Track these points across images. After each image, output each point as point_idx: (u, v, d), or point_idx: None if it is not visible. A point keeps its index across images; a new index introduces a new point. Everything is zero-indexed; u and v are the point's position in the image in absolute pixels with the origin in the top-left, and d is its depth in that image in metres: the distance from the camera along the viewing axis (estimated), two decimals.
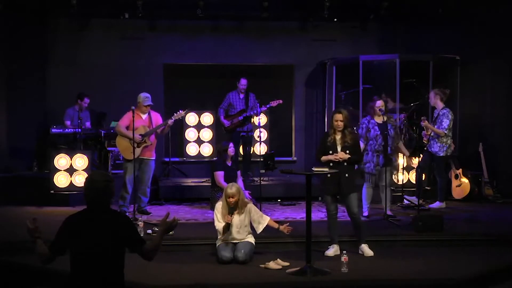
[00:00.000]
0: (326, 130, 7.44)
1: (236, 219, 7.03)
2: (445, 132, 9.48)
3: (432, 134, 9.59)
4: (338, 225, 7.40)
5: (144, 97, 9.07)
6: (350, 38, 12.66)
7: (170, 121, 9.02)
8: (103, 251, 4.13)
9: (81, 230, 4.16)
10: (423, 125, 9.59)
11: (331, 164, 7.08)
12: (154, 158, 9.18)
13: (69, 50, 12.13)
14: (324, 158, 7.12)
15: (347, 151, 7.07)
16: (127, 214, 8.67)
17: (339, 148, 7.11)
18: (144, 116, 9.07)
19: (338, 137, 7.14)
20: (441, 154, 9.59)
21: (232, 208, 6.98)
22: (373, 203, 9.11)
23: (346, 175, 7.12)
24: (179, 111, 9.14)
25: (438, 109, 9.65)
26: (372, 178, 8.87)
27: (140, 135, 8.87)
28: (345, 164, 7.11)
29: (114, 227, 4.21)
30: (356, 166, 8.18)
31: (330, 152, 7.10)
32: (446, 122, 9.48)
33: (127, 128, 8.98)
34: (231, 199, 6.96)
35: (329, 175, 7.05)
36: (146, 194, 9.21)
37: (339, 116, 7.11)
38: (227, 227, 7.00)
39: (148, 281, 6.25)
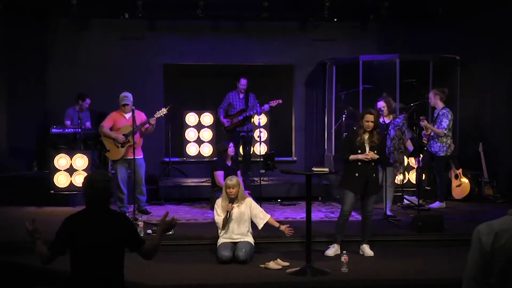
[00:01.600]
0: (355, 129, 7.45)
1: (236, 211, 7.09)
2: (445, 132, 9.48)
3: (432, 134, 9.59)
4: (347, 226, 7.40)
5: (123, 97, 9.08)
6: (350, 38, 12.66)
7: (152, 120, 9.00)
8: (103, 251, 4.12)
9: (80, 230, 4.15)
10: (423, 125, 9.60)
11: (359, 164, 7.10)
12: (141, 156, 9.12)
13: (69, 50, 12.13)
14: (353, 157, 7.13)
15: (375, 151, 7.11)
16: (127, 214, 8.68)
17: (367, 148, 7.14)
18: (128, 116, 9.05)
19: (366, 137, 7.18)
20: (441, 154, 9.59)
21: (231, 200, 7.07)
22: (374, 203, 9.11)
23: (374, 175, 7.19)
24: (161, 109, 9.14)
25: (438, 109, 9.66)
26: None
27: (123, 134, 8.86)
28: (373, 164, 7.16)
29: (114, 227, 4.20)
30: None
31: (359, 151, 7.12)
32: (445, 122, 9.49)
33: (111, 128, 8.99)
34: (231, 190, 7.04)
35: (356, 174, 7.07)
36: (143, 193, 9.21)
37: (370, 117, 7.15)
38: (227, 217, 7.04)
39: (148, 281, 6.25)
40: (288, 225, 7.18)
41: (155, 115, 9.02)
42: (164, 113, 9.14)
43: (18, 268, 6.67)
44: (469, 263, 2.97)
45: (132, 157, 8.84)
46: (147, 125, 8.99)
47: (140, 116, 9.14)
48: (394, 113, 9.10)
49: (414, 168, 10.31)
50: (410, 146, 9.32)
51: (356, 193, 7.22)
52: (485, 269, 2.90)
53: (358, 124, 7.32)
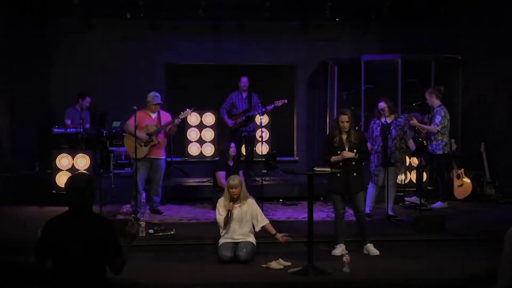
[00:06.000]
0: (329, 131, 7.53)
1: (237, 210, 7.10)
2: (437, 128, 9.45)
3: (427, 133, 9.64)
4: (344, 225, 7.40)
5: (153, 96, 9.12)
6: (352, 38, 12.64)
7: (176, 120, 9.03)
8: (83, 256, 4.02)
9: (60, 234, 4.06)
10: (412, 123, 9.61)
11: (340, 164, 7.15)
12: (163, 157, 9.20)
13: (71, 50, 12.12)
14: (334, 158, 7.20)
15: (354, 150, 7.16)
16: (139, 214, 8.70)
17: (346, 148, 7.21)
18: (154, 116, 9.10)
19: (344, 137, 7.24)
20: (438, 152, 9.56)
21: (233, 200, 7.09)
22: (375, 202, 9.11)
23: (354, 174, 7.24)
24: (186, 110, 9.13)
25: (434, 107, 9.66)
26: (375, 178, 8.92)
27: (147, 134, 8.89)
28: (353, 163, 7.21)
29: (95, 231, 4.08)
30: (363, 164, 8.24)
31: (338, 152, 7.18)
32: (438, 119, 9.48)
33: (136, 127, 8.99)
34: (233, 190, 7.06)
35: (338, 175, 7.12)
36: (158, 194, 9.26)
37: (344, 117, 7.21)
38: (228, 216, 7.04)
39: (148, 281, 6.24)
40: (285, 234, 7.11)
41: (180, 116, 9.04)
42: (189, 113, 9.19)
43: (18, 268, 6.66)
44: (503, 266, 2.93)
45: (154, 157, 8.98)
46: (170, 125, 9.01)
47: (166, 117, 9.18)
48: (395, 113, 9.12)
49: (415, 168, 10.30)
50: (412, 145, 9.32)
51: (337, 193, 7.26)
52: None
53: (333, 126, 7.39)
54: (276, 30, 12.51)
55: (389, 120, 8.82)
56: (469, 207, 9.99)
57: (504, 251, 2.98)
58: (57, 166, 10.02)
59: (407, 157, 9.92)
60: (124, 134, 9.51)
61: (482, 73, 11.45)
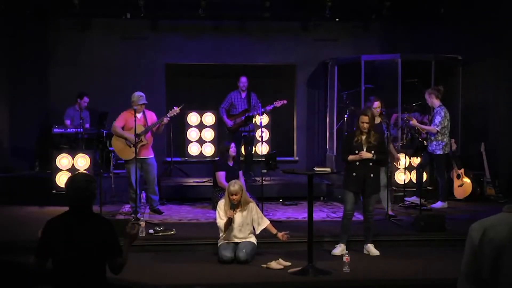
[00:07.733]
0: (351, 131, 7.57)
1: (238, 216, 7.05)
2: (437, 129, 9.45)
3: (427, 133, 9.64)
4: (351, 227, 7.40)
5: (139, 96, 9.06)
6: (352, 38, 12.63)
7: (165, 119, 9.01)
8: (83, 256, 4.00)
9: (61, 235, 4.04)
10: (411, 124, 9.57)
11: (357, 164, 7.17)
12: (152, 156, 9.16)
13: (71, 49, 12.11)
14: (351, 157, 7.22)
15: (372, 151, 7.17)
16: (139, 214, 8.69)
17: (364, 148, 7.22)
18: (139, 115, 9.04)
19: (363, 137, 7.25)
20: (438, 152, 9.56)
21: (234, 205, 7.00)
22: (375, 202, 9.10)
23: (372, 175, 7.25)
24: (173, 108, 9.12)
25: (435, 108, 9.66)
26: None
27: (135, 135, 8.86)
28: (371, 164, 7.21)
29: (95, 232, 4.06)
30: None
31: (356, 152, 7.20)
32: (438, 119, 9.47)
33: (123, 128, 8.98)
34: (233, 197, 6.98)
35: (354, 174, 7.15)
36: (156, 193, 9.25)
37: (365, 118, 7.23)
38: (229, 223, 7.01)
39: (148, 281, 6.24)
40: (285, 232, 7.11)
41: (168, 115, 9.03)
42: (177, 112, 9.15)
43: (18, 268, 6.66)
44: (462, 261, 3.00)
45: (143, 157, 8.94)
46: (158, 125, 9.00)
47: (151, 116, 9.16)
48: (383, 115, 9.05)
49: (415, 168, 10.30)
50: (394, 151, 9.26)
51: (355, 192, 7.27)
52: (475, 264, 2.92)
53: (355, 125, 7.40)
54: (276, 30, 12.51)
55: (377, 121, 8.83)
56: (469, 207, 9.99)
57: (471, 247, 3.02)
58: (57, 166, 10.01)
59: (407, 157, 9.95)
60: None
61: (482, 73, 11.44)
